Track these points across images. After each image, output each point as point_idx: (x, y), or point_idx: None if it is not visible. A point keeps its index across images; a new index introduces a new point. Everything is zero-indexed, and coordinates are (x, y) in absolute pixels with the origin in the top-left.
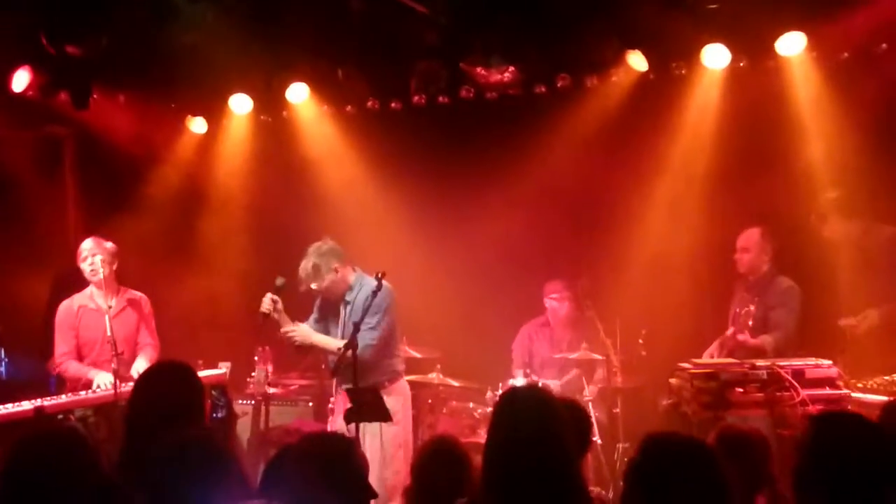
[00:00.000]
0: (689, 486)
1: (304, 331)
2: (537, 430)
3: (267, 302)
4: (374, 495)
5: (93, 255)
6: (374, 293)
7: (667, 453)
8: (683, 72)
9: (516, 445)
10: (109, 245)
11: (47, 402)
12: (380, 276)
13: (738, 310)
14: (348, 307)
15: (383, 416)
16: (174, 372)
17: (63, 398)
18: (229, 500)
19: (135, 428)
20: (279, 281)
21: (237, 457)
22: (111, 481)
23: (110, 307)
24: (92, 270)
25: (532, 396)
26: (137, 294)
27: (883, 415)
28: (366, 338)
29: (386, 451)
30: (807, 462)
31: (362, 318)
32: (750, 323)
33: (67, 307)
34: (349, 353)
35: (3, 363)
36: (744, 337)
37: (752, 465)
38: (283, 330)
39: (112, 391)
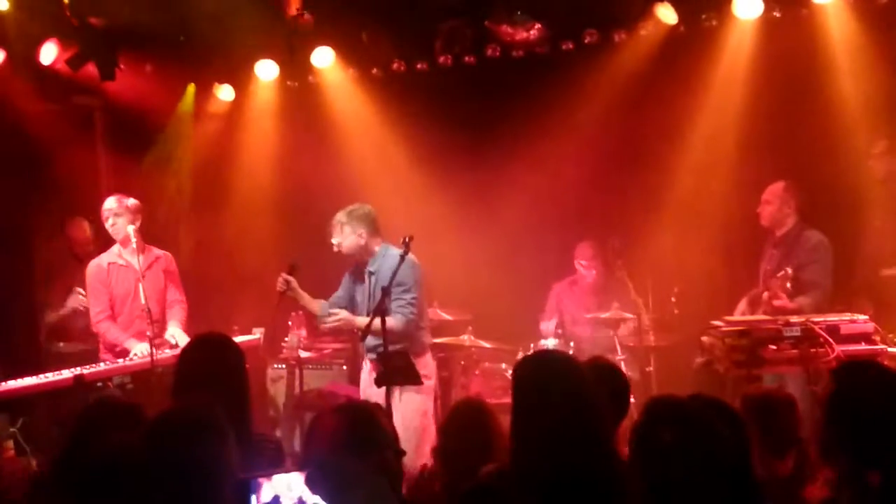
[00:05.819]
0: (689, 450)
1: (346, 316)
2: (567, 396)
3: (280, 282)
4: (403, 453)
5: (114, 215)
6: (402, 257)
7: (666, 417)
8: (714, 23)
9: (547, 412)
10: (131, 202)
11: (86, 370)
12: (407, 239)
13: (767, 266)
14: (373, 277)
15: (414, 379)
16: (215, 344)
17: (102, 366)
18: (233, 471)
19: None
20: (293, 262)
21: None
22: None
23: (144, 275)
24: (115, 230)
25: (558, 361)
26: (161, 252)
27: None
28: (403, 312)
29: (407, 418)
30: (831, 418)
31: (391, 283)
32: (788, 285)
33: (97, 266)
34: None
35: None
36: (781, 302)
37: (777, 426)
38: (324, 321)
39: (149, 359)
